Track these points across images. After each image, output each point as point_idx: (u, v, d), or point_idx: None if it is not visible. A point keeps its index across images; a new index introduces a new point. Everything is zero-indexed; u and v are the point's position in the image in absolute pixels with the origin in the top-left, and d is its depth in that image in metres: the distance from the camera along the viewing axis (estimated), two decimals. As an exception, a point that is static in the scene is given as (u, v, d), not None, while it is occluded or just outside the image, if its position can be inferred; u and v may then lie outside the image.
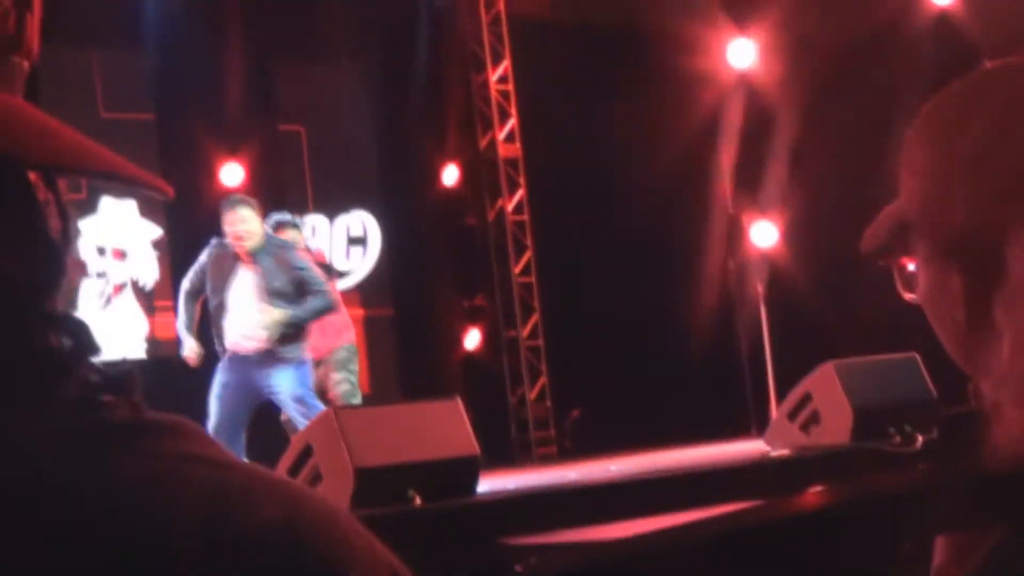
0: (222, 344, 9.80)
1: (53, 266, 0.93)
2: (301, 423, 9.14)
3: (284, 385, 9.69)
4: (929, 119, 1.58)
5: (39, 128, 0.92)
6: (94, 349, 0.93)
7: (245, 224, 9.81)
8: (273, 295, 9.73)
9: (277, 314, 9.67)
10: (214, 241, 9.98)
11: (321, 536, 0.87)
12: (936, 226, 1.51)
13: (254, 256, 9.79)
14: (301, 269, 9.88)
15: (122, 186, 0.97)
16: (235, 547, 0.83)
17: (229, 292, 9.77)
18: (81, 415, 0.88)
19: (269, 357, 9.71)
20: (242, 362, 9.71)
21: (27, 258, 0.91)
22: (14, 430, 0.84)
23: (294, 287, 9.79)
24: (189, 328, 9.94)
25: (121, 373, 0.93)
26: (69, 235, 0.96)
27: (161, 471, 0.85)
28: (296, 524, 0.86)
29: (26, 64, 1.00)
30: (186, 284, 10.02)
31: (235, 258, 9.81)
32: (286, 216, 11.04)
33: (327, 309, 9.99)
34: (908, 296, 1.63)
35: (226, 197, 10.43)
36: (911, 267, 1.61)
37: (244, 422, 9.71)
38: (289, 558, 0.84)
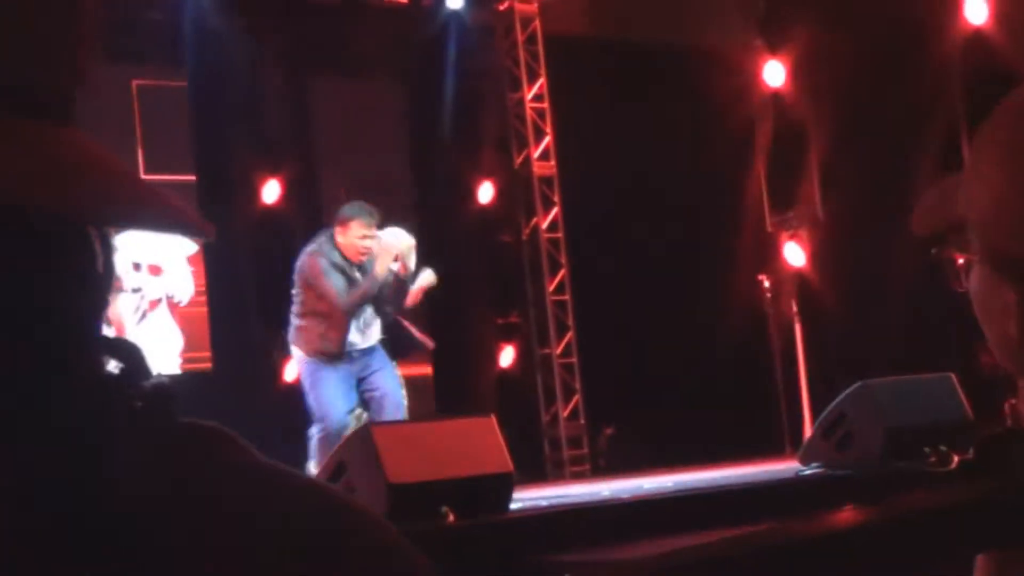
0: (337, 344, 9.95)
1: (99, 298, 0.95)
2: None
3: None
4: (1004, 125, 1.56)
5: (103, 180, 0.94)
6: (145, 373, 0.95)
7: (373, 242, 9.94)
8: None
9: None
10: (323, 241, 10.00)
11: (356, 544, 0.88)
12: (996, 238, 1.51)
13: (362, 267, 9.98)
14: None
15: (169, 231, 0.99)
16: (274, 555, 0.84)
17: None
18: (122, 426, 0.89)
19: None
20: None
21: (77, 293, 0.93)
22: (65, 443, 0.86)
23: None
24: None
25: (156, 386, 0.95)
26: (111, 268, 0.98)
27: (194, 479, 0.86)
28: (331, 533, 0.87)
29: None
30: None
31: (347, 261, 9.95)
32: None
33: None
34: (957, 287, 1.63)
35: (355, 204, 10.35)
36: (960, 260, 1.60)
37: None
38: (327, 567, 0.85)
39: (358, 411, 10.12)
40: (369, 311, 10.10)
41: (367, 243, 9.88)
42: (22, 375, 0.87)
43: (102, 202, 0.92)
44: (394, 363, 10.48)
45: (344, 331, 10.01)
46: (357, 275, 10.02)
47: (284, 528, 0.86)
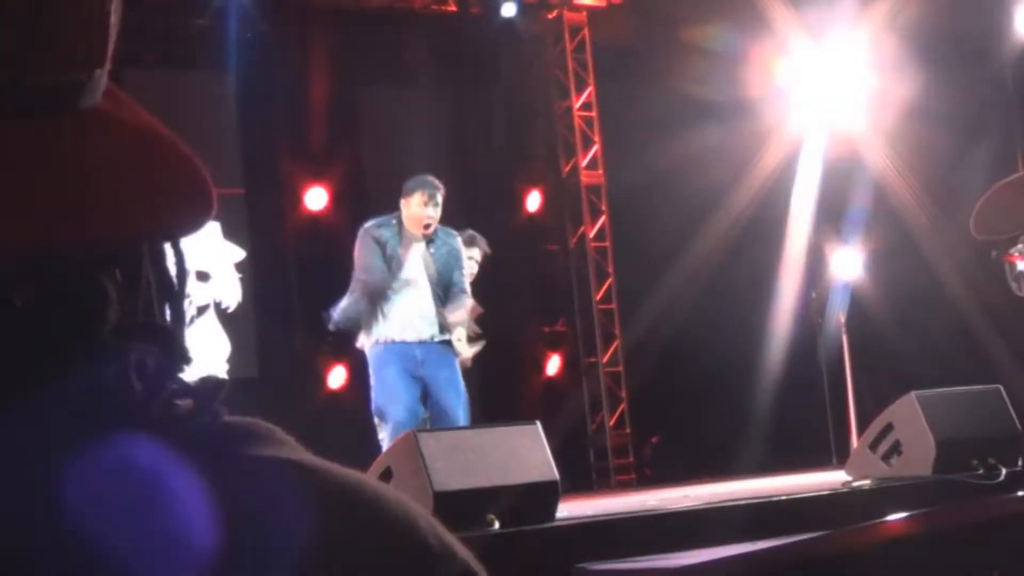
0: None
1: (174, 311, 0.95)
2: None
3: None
4: None
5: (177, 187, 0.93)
6: (185, 359, 0.95)
7: (438, 212, 9.90)
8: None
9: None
10: (388, 217, 9.95)
11: (398, 539, 0.87)
12: None
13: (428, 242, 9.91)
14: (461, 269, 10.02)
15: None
16: (321, 551, 0.84)
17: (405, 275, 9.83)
18: (163, 423, 0.89)
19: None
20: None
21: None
22: (103, 443, 0.86)
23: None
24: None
25: (200, 383, 0.95)
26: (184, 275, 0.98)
27: (241, 475, 0.86)
28: (375, 527, 0.86)
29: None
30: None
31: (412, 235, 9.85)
32: None
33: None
34: (1017, 291, 1.62)
35: (417, 177, 10.25)
36: (1021, 266, 1.59)
37: None
38: (369, 561, 0.85)
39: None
40: (429, 299, 9.96)
41: (429, 211, 9.83)
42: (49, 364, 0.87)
43: (179, 207, 0.92)
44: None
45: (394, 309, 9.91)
46: (415, 253, 9.88)
47: (325, 528, 0.86)
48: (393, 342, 9.82)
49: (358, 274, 9.90)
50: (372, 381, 9.94)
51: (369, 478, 0.92)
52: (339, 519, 0.86)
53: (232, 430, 0.91)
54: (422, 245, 9.88)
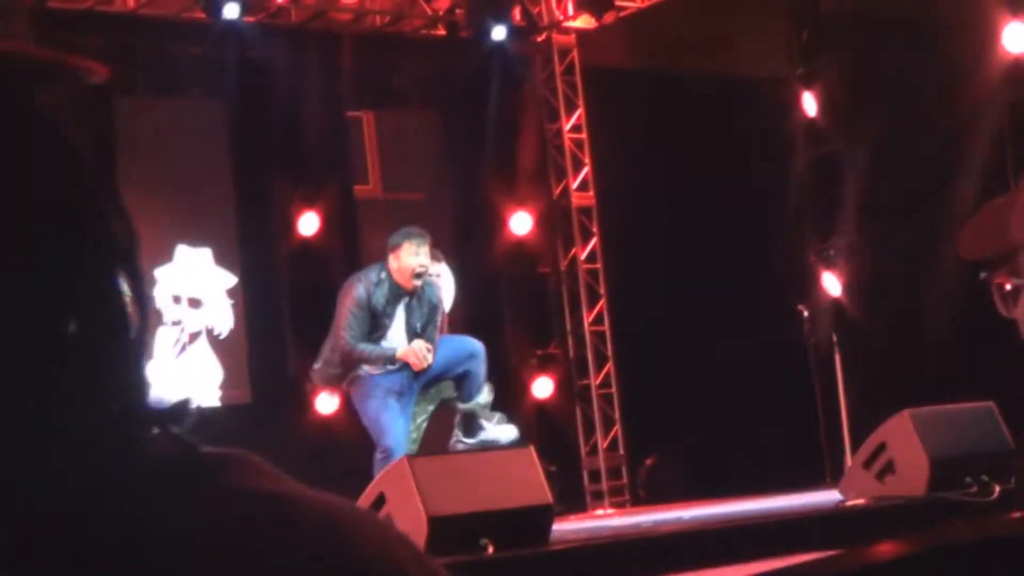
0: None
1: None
2: None
3: None
4: None
5: None
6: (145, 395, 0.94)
7: (428, 259, 9.96)
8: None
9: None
10: (376, 269, 9.99)
11: (376, 571, 0.87)
12: None
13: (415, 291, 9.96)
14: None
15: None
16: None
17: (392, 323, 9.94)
18: (138, 456, 0.89)
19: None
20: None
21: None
22: (76, 474, 0.86)
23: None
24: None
25: (174, 410, 0.94)
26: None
27: (217, 507, 0.86)
28: (351, 560, 0.86)
29: None
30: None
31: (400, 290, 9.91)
32: None
33: None
34: (1005, 313, 1.62)
35: (402, 229, 10.26)
36: (1009, 286, 1.59)
37: None
38: None
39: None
40: (404, 341, 10.03)
41: (421, 260, 9.84)
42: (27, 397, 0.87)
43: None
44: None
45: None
46: (400, 309, 9.95)
47: (299, 556, 0.86)
48: (371, 376, 9.93)
49: (339, 330, 9.93)
50: (357, 406, 10.07)
51: (352, 506, 0.92)
52: (312, 552, 0.86)
53: (207, 462, 0.91)
54: (406, 301, 9.95)
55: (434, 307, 10.05)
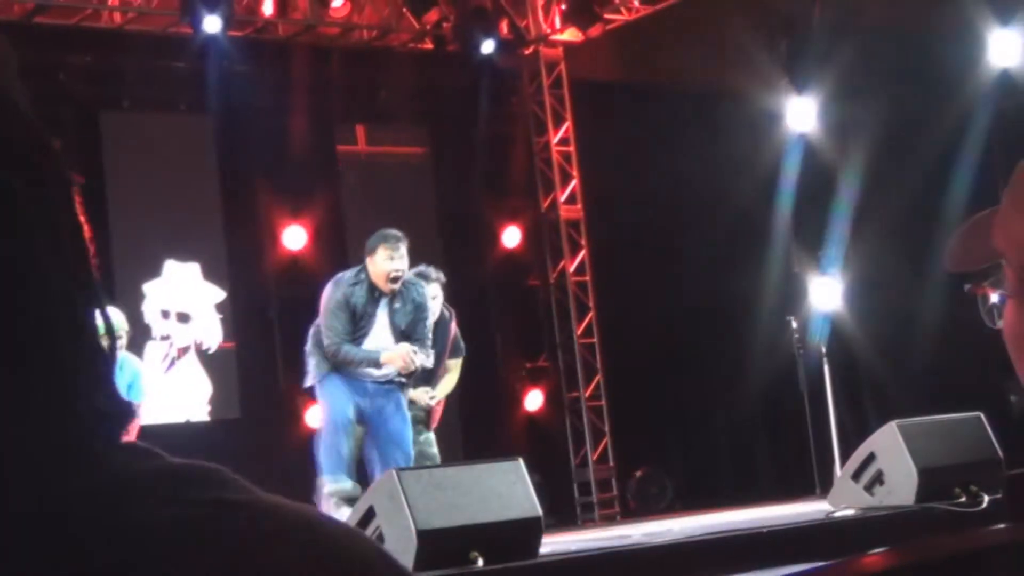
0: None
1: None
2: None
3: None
4: None
5: None
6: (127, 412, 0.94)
7: (405, 262, 9.91)
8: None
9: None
10: (354, 272, 9.95)
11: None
12: None
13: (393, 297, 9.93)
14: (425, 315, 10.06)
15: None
16: None
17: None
18: (106, 466, 0.89)
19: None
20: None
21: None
22: (42, 483, 0.86)
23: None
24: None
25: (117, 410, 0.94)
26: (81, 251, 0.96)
27: (187, 518, 0.86)
28: (324, 565, 0.86)
29: None
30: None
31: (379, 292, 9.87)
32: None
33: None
34: (991, 324, 1.62)
35: (379, 233, 10.19)
36: (994, 298, 1.60)
37: None
38: None
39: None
40: (390, 341, 9.98)
41: (395, 264, 9.80)
42: None
43: None
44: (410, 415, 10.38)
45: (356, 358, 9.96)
46: (382, 311, 9.91)
47: (276, 566, 0.86)
48: (342, 378, 9.93)
49: (323, 327, 9.93)
50: (320, 401, 10.07)
51: (321, 515, 0.92)
52: (277, 562, 0.86)
53: (176, 473, 0.91)
54: (387, 301, 9.90)
55: (419, 306, 10.00)
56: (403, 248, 9.88)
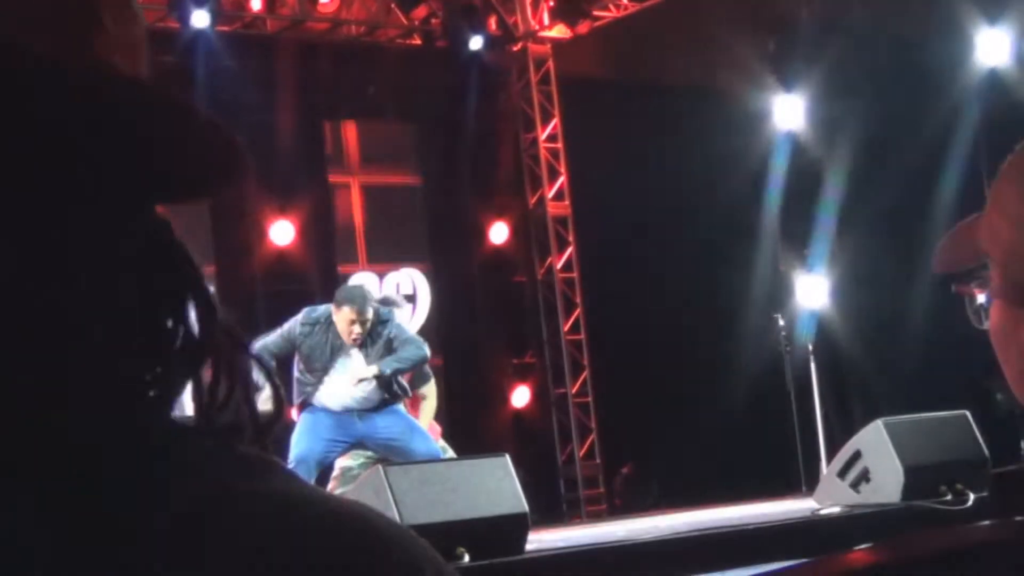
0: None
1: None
2: None
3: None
4: None
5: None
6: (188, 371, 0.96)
7: (368, 325, 9.82)
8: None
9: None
10: (321, 313, 9.87)
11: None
12: (1016, 273, 1.51)
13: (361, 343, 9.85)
14: (393, 333, 9.97)
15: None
16: None
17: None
18: (173, 454, 0.90)
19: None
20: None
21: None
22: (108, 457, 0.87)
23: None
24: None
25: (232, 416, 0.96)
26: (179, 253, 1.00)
27: (248, 509, 0.87)
28: (376, 566, 0.87)
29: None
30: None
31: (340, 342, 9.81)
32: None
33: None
34: (977, 324, 1.63)
35: (353, 289, 10.36)
36: (981, 299, 1.60)
37: None
38: None
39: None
40: (359, 364, 9.94)
41: (356, 328, 9.73)
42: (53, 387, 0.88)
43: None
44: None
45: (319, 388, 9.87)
46: (353, 355, 9.85)
47: (328, 558, 0.87)
48: (327, 409, 9.80)
49: (257, 339, 9.79)
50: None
51: (373, 512, 0.93)
52: (338, 556, 0.87)
53: (245, 462, 0.92)
54: (354, 354, 9.85)
55: (389, 340, 9.94)
56: (368, 312, 9.81)
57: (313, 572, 0.84)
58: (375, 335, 9.88)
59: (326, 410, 9.77)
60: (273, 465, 0.91)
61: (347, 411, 9.76)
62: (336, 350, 9.75)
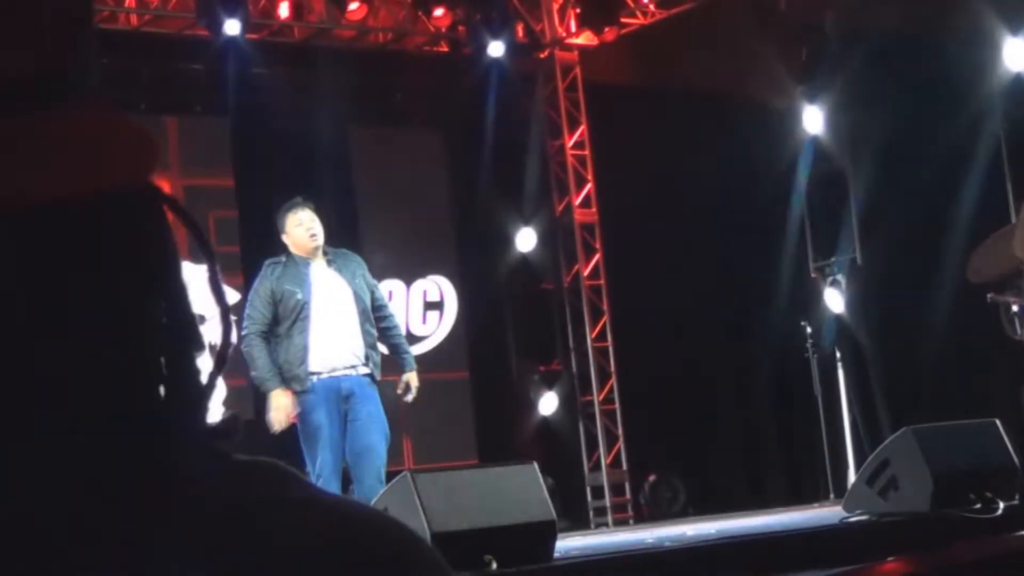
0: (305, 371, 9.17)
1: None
2: None
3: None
4: None
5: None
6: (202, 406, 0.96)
7: (317, 223, 9.37)
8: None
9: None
10: (274, 260, 9.41)
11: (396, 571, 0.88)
12: None
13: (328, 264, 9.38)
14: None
15: None
16: None
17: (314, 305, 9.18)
18: (180, 468, 0.90)
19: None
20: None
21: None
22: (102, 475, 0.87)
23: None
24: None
25: (222, 423, 0.96)
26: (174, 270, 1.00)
27: (242, 515, 0.87)
28: (375, 564, 0.87)
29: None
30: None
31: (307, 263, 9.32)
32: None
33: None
34: (1013, 335, 1.62)
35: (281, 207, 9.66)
36: (1016, 308, 1.60)
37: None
38: None
39: None
40: (352, 325, 9.25)
41: (306, 224, 9.35)
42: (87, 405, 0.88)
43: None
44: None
45: (304, 352, 9.16)
46: (318, 277, 9.44)
47: (330, 559, 0.87)
48: (319, 378, 9.15)
49: (241, 322, 9.26)
50: (297, 421, 9.23)
51: (380, 512, 0.93)
52: (341, 557, 0.87)
53: (240, 470, 0.92)
54: (324, 268, 9.35)
55: (361, 270, 9.45)
56: (310, 210, 9.39)
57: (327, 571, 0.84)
58: (340, 262, 9.41)
59: (320, 380, 9.15)
60: (275, 470, 0.92)
61: (337, 375, 9.16)
62: (305, 290, 9.18)
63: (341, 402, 9.13)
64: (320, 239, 9.37)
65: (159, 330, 0.95)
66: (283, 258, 9.42)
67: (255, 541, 0.86)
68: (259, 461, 0.93)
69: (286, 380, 9.15)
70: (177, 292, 0.97)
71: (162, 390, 0.94)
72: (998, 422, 9.17)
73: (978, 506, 8.56)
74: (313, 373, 9.15)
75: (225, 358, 0.98)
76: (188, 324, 0.98)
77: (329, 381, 9.15)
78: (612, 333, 15.60)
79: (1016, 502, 8.62)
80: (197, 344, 0.98)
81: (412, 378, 9.44)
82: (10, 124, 0.91)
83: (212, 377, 0.98)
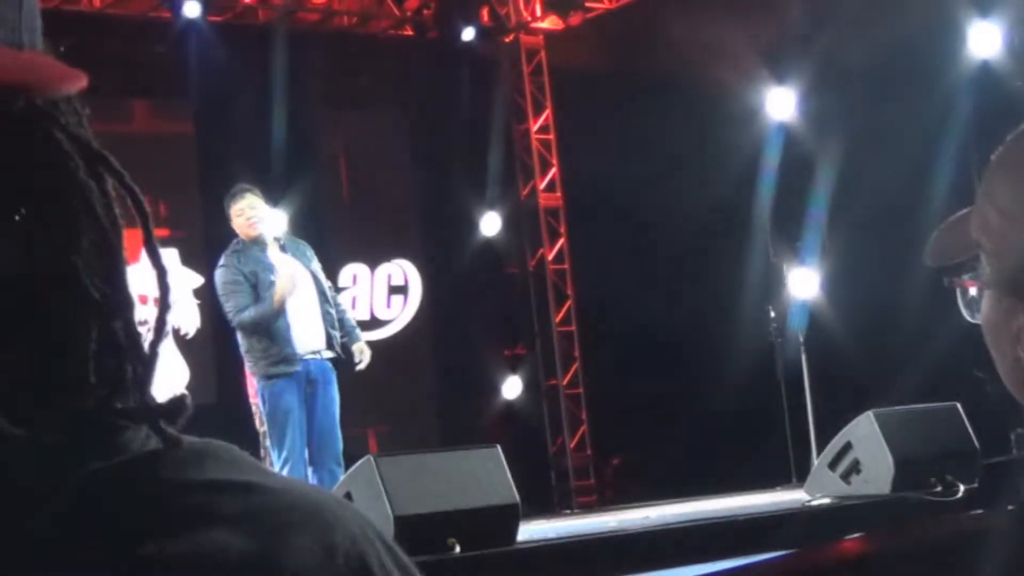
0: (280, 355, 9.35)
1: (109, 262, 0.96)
2: None
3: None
4: (1015, 152, 1.57)
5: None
6: (146, 384, 0.95)
7: (263, 207, 9.49)
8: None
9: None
10: (231, 249, 9.53)
11: (353, 568, 0.87)
12: (1007, 263, 1.51)
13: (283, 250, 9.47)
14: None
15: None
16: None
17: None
18: (107, 445, 0.90)
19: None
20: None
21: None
22: (60, 467, 0.86)
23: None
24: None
25: (168, 403, 0.95)
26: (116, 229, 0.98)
27: (184, 501, 0.86)
28: (329, 553, 0.86)
29: None
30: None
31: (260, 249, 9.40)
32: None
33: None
34: (970, 318, 1.63)
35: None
36: (973, 291, 1.61)
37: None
38: None
39: None
40: (312, 308, 9.46)
41: (243, 219, 9.41)
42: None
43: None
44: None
45: (288, 331, 9.35)
46: (272, 264, 9.37)
47: (276, 543, 0.86)
48: (288, 361, 9.34)
49: (226, 313, 9.50)
50: (262, 405, 9.52)
51: (331, 496, 0.93)
52: (286, 542, 0.86)
53: (189, 453, 0.91)
54: (278, 253, 9.46)
55: (310, 256, 9.65)
56: (252, 197, 9.51)
57: (288, 561, 0.84)
58: (292, 249, 9.59)
59: (289, 364, 9.34)
60: (223, 453, 0.91)
61: (305, 359, 9.38)
62: (264, 274, 9.33)
63: (306, 386, 9.23)
64: (261, 226, 9.46)
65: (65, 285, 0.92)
66: (238, 245, 9.46)
67: (201, 527, 0.85)
68: (209, 443, 0.92)
69: (277, 364, 9.22)
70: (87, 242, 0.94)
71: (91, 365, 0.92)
72: (959, 406, 9.23)
73: (939, 489, 8.61)
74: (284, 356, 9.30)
75: (164, 323, 0.95)
76: (116, 287, 0.95)
77: (300, 365, 9.28)
78: (576, 317, 15.62)
79: (976, 485, 8.67)
80: (123, 308, 0.95)
81: (364, 347, 9.68)
82: None
83: (152, 346, 0.95)
